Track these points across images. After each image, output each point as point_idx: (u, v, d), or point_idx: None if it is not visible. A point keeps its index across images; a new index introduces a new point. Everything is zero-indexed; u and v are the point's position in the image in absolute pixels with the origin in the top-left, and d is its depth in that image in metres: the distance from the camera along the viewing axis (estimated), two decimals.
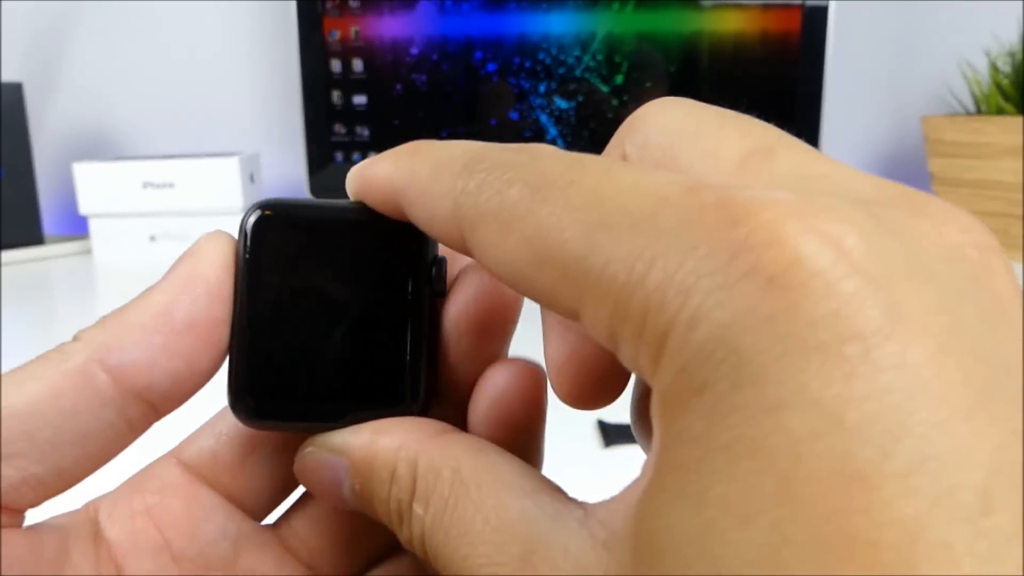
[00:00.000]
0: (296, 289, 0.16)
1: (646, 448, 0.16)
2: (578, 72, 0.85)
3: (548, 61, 0.85)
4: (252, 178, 0.93)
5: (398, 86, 0.87)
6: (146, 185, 0.89)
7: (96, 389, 0.14)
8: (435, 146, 0.15)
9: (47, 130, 1.05)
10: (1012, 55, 0.84)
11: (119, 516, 0.16)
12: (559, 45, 0.85)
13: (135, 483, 0.17)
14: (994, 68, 0.85)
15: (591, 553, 0.12)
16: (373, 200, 0.16)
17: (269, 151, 1.04)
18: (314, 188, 0.86)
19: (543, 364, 0.16)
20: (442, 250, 0.17)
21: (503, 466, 0.14)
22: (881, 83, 1.00)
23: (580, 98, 0.85)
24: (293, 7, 0.86)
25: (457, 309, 0.16)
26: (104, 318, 0.15)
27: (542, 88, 0.86)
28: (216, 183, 0.88)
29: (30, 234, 0.92)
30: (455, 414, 0.17)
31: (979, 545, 0.09)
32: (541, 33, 0.84)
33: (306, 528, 0.18)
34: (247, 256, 0.16)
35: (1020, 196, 0.82)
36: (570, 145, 0.87)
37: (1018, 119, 0.80)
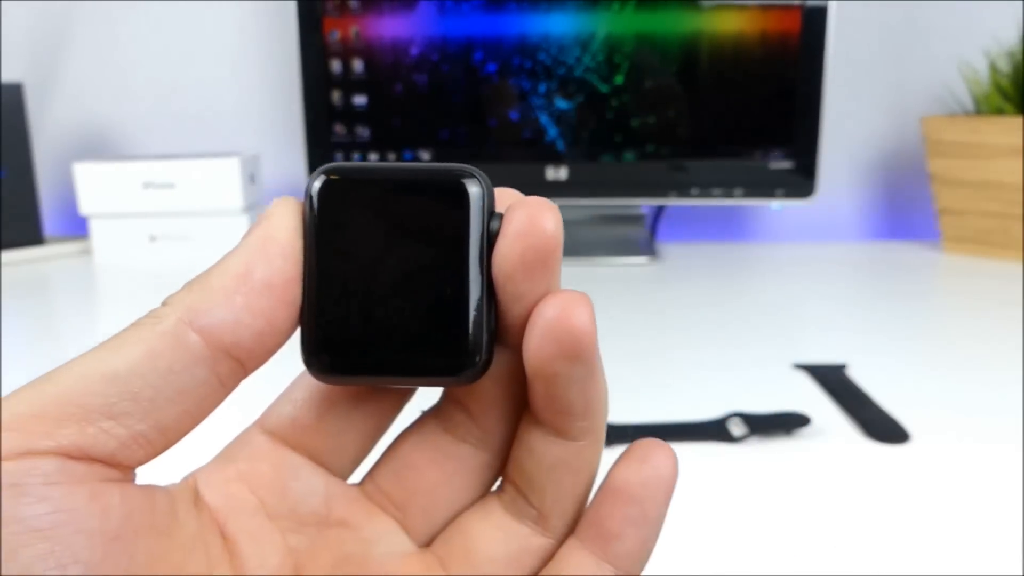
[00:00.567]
0: (361, 248, 0.17)
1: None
2: (578, 72, 0.85)
3: (548, 61, 0.85)
4: (252, 178, 0.93)
5: (398, 86, 0.87)
6: (146, 185, 0.89)
7: (189, 349, 0.15)
8: None
9: (47, 130, 1.05)
10: (1012, 55, 0.84)
11: (215, 483, 0.18)
12: (559, 45, 0.85)
13: (226, 454, 0.19)
14: (994, 68, 0.85)
15: None
16: None
17: (269, 151, 1.04)
18: None
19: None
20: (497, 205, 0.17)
21: None
22: (881, 83, 1.00)
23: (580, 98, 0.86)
24: (293, 7, 0.86)
25: (502, 251, 0.16)
26: (189, 283, 0.16)
27: (542, 88, 0.86)
28: (216, 183, 0.88)
29: (30, 234, 0.92)
30: (512, 357, 0.17)
31: None
32: (541, 33, 0.84)
33: (390, 482, 0.19)
34: (314, 219, 0.17)
35: (1020, 196, 0.82)
36: (570, 145, 0.87)
37: (1018, 119, 0.80)
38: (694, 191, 0.87)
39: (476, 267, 0.17)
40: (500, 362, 0.18)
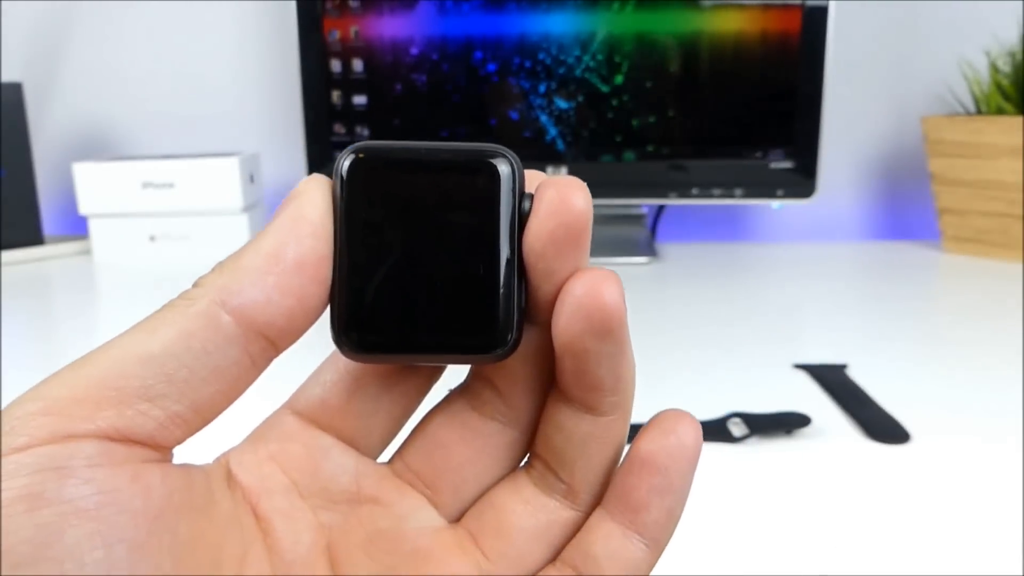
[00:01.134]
0: (391, 226, 0.17)
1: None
2: (578, 72, 0.85)
3: (548, 61, 0.85)
4: (252, 178, 0.93)
5: (398, 86, 0.87)
6: (146, 185, 0.89)
7: (221, 329, 0.16)
8: None
9: (47, 130, 1.05)
10: (1012, 55, 0.84)
11: (247, 464, 0.18)
12: (559, 45, 0.85)
13: (257, 436, 0.19)
14: (994, 68, 0.85)
15: None
16: None
17: (269, 151, 1.04)
18: None
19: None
20: (528, 185, 0.17)
21: None
22: (881, 83, 1.00)
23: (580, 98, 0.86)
24: (293, 7, 0.86)
25: (533, 229, 0.16)
26: (220, 263, 0.16)
27: (542, 88, 0.86)
28: (216, 183, 0.88)
29: (30, 234, 0.92)
30: (540, 334, 0.18)
31: None
32: (541, 33, 0.84)
33: (419, 460, 0.19)
34: (343, 197, 0.17)
35: (1020, 196, 0.82)
36: (569, 145, 0.87)
37: (1018, 119, 0.80)
38: (694, 191, 0.87)
39: (507, 245, 0.17)
40: (528, 340, 0.18)
